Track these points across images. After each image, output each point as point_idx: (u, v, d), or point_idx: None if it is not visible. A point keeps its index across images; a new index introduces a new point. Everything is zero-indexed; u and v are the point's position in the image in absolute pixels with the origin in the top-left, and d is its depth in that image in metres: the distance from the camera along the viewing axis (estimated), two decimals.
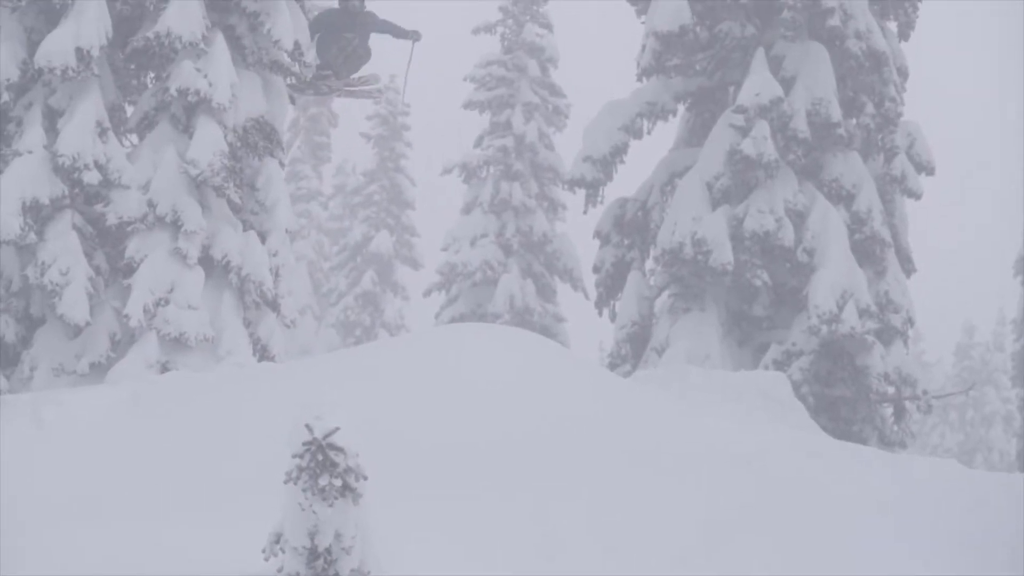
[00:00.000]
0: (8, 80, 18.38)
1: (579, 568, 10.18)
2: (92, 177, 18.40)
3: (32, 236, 18.25)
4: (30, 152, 18.34)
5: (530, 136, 37.75)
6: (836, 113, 25.69)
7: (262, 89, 19.87)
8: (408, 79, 18.85)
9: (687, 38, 26.36)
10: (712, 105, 27.60)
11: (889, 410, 26.30)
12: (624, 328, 26.84)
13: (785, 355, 25.37)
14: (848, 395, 25.66)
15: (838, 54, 26.08)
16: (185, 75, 18.80)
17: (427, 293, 38.55)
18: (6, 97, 18.41)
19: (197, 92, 18.76)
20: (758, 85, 25.48)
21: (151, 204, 18.86)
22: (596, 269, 27.77)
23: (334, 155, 50.59)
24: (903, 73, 27.07)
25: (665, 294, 26.73)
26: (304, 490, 7.92)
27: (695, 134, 27.82)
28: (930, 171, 27.20)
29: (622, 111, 27.22)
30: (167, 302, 18.70)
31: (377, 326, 45.75)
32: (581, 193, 27.48)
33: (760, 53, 26.02)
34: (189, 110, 19.23)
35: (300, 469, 7.91)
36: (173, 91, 18.87)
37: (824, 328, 24.83)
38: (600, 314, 27.98)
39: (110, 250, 19.19)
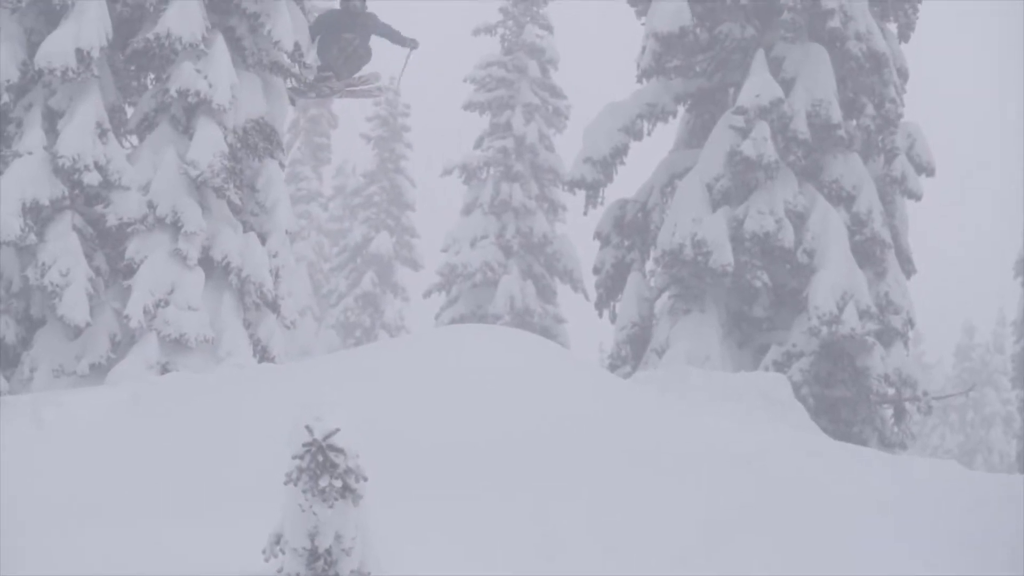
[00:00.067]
0: (8, 81, 18.39)
1: (579, 568, 10.18)
2: (92, 178, 18.40)
3: (32, 237, 18.26)
4: (30, 153, 18.34)
5: (530, 137, 37.76)
6: (836, 114, 25.70)
7: (262, 90, 19.87)
8: (400, 85, 18.94)
9: (687, 39, 26.38)
10: (712, 106, 27.61)
11: (889, 411, 26.30)
12: (624, 329, 26.84)
13: (785, 356, 25.37)
14: (848, 396, 25.66)
15: (838, 55, 26.08)
16: (185, 76, 18.80)
17: (427, 294, 38.56)
18: (6, 98, 18.42)
19: (197, 93, 18.77)
20: (758, 86, 25.49)
21: (151, 205, 18.86)
22: (596, 270, 27.77)
23: (334, 156, 50.65)
24: (903, 74, 27.08)
25: (665, 295, 26.73)
26: (304, 491, 7.92)
27: (695, 135, 27.83)
28: (930, 172, 27.21)
29: (622, 112, 27.23)
30: (167, 303, 18.70)
31: (377, 327, 45.77)
32: (581, 194, 27.48)
33: (760, 54, 26.03)
34: (189, 111, 19.24)
35: (300, 470, 7.91)
36: (173, 92, 18.87)
37: (824, 329, 24.83)
38: (600, 315, 27.98)
39: (110, 251, 19.20)
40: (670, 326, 26.05)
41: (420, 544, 9.87)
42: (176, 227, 18.87)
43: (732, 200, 25.81)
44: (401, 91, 45.90)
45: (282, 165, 20.41)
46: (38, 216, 18.41)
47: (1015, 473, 23.05)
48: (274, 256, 19.69)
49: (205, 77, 18.85)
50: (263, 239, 19.68)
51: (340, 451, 7.93)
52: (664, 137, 28.32)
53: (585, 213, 27.66)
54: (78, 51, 18.17)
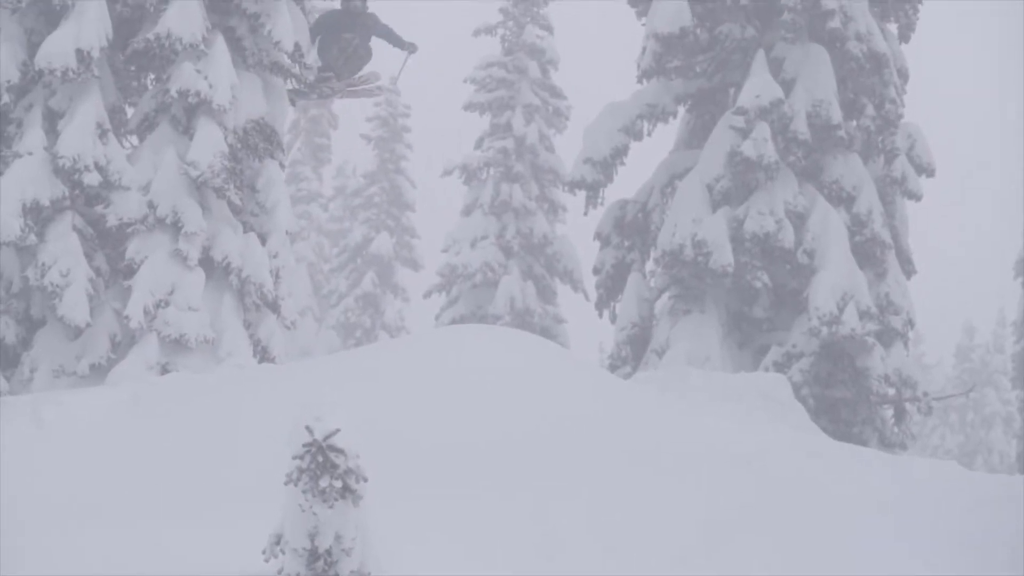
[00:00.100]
0: (8, 82, 18.40)
1: (579, 568, 10.18)
2: (92, 178, 18.41)
3: (32, 237, 18.27)
4: (30, 154, 18.35)
5: (530, 138, 37.75)
6: (836, 115, 25.70)
7: (262, 91, 19.88)
8: (399, 86, 19.01)
9: (687, 40, 26.37)
10: (712, 107, 27.60)
11: (889, 412, 26.30)
12: (624, 330, 26.83)
13: (785, 357, 25.36)
14: (848, 397, 25.66)
15: (838, 56, 26.08)
16: (185, 77, 18.81)
17: (427, 295, 38.56)
18: (6, 99, 18.42)
19: (197, 94, 18.77)
20: (758, 87, 25.49)
21: (151, 205, 18.87)
22: (596, 271, 27.77)
23: (334, 157, 50.66)
24: (903, 75, 27.07)
25: (665, 296, 26.73)
26: (304, 491, 7.92)
27: (695, 136, 27.82)
28: (930, 173, 27.20)
29: (622, 113, 27.22)
30: (167, 303, 18.71)
31: (377, 328, 45.77)
32: (581, 195, 27.48)
33: (760, 55, 26.03)
34: (189, 111, 19.25)
35: (300, 470, 7.91)
36: (173, 92, 18.87)
37: (824, 330, 24.83)
38: (600, 316, 27.97)
39: (110, 251, 19.20)
40: (670, 327, 26.05)
41: (420, 544, 9.87)
42: (176, 227, 18.87)
43: (732, 200, 25.80)
44: (401, 91, 45.94)
45: (282, 165, 20.42)
46: (38, 216, 18.41)
47: (1015, 473, 23.06)
48: (274, 257, 19.70)
49: (205, 77, 18.86)
50: (263, 239, 19.69)
51: (340, 451, 7.93)
52: (664, 137, 28.33)
53: (585, 213, 27.66)
54: (78, 51, 18.18)
